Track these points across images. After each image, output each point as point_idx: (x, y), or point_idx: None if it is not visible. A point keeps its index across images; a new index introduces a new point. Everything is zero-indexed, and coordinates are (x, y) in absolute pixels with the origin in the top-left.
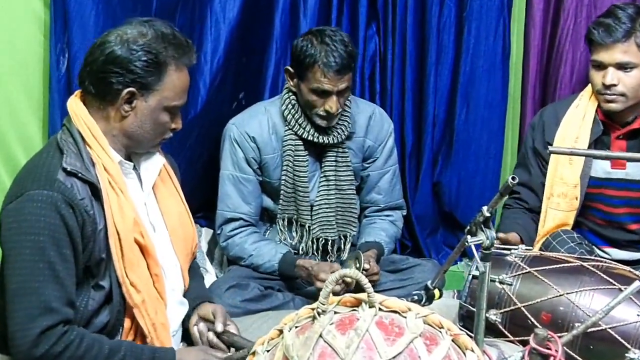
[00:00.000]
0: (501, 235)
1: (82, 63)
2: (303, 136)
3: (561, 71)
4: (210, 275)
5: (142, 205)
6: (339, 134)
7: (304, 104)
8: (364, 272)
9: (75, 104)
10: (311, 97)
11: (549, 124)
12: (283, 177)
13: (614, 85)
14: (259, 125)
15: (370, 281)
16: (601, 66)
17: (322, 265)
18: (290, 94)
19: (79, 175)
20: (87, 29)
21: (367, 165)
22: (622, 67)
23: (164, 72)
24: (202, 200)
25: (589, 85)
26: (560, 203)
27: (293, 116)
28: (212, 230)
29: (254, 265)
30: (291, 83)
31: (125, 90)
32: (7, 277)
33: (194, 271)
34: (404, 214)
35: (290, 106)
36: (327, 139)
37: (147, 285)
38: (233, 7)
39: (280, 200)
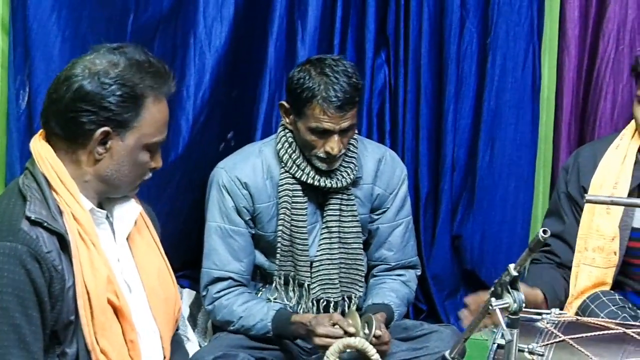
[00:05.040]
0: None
1: (45, 99)
2: (302, 179)
3: (600, 107)
4: (192, 344)
5: (116, 260)
6: (343, 177)
7: (302, 145)
8: (374, 339)
9: (40, 145)
10: (310, 137)
11: (585, 167)
12: (279, 228)
13: None
14: (252, 170)
15: (378, 351)
16: None
17: (321, 317)
18: (287, 130)
19: (45, 224)
20: (52, 59)
21: (376, 217)
22: None
23: (142, 105)
24: (184, 258)
25: (632, 122)
26: (595, 258)
27: (290, 156)
28: (194, 292)
29: (244, 329)
30: (287, 120)
31: (99, 131)
32: None
33: (177, 345)
34: (419, 273)
35: (286, 144)
36: (330, 182)
37: (121, 354)
38: (220, 33)
39: (278, 256)
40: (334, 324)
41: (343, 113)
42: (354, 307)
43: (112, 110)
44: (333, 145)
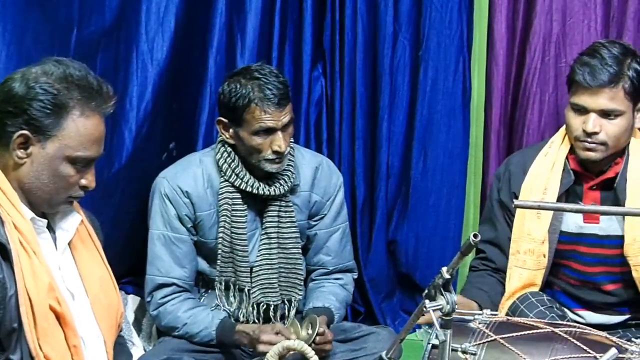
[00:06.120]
0: (459, 298)
1: None
2: (241, 187)
3: (528, 115)
4: (137, 349)
5: (57, 268)
6: (281, 185)
7: (248, 153)
8: (318, 337)
9: None
10: (255, 142)
11: (515, 174)
12: (220, 235)
13: (596, 133)
14: (193, 179)
15: (321, 350)
16: (582, 111)
17: (265, 327)
18: (226, 145)
19: None
20: None
21: (314, 223)
22: (606, 114)
23: (65, 116)
24: (129, 264)
25: (560, 130)
26: (526, 261)
27: (229, 165)
28: (139, 298)
29: (188, 335)
30: (227, 135)
31: (17, 133)
32: None
33: (121, 347)
34: (355, 276)
35: (225, 154)
36: (268, 190)
37: (65, 359)
38: (162, 47)
39: (218, 262)
40: (277, 333)
41: (282, 108)
42: (294, 318)
43: (32, 115)
44: (280, 142)
